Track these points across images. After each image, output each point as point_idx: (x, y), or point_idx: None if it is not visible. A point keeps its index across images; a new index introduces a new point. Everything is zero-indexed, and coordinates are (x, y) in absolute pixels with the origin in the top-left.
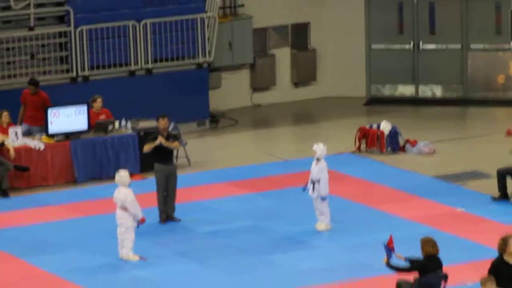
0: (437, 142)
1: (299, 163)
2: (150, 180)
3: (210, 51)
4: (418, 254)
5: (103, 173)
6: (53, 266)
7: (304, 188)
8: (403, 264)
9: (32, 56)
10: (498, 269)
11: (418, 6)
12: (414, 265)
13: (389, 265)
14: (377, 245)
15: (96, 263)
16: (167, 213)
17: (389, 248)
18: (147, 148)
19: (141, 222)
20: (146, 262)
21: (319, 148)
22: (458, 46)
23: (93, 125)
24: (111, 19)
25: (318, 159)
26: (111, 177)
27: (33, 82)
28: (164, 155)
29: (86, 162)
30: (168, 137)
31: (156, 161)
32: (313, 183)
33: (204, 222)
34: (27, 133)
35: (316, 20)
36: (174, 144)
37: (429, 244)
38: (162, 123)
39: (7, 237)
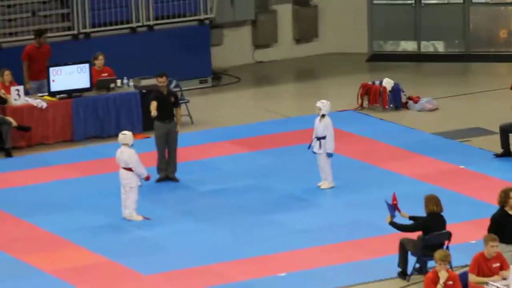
0: (440, 98)
1: (301, 120)
2: (153, 139)
3: (211, 8)
4: (421, 211)
5: (104, 131)
6: (55, 226)
7: (309, 146)
8: (407, 222)
9: (34, 13)
10: (500, 222)
11: None
12: (417, 223)
13: (392, 223)
14: (380, 203)
15: (99, 223)
16: (166, 173)
17: (393, 206)
18: (153, 111)
19: (146, 179)
20: (149, 222)
21: (324, 105)
22: (460, 0)
23: (95, 83)
24: None
25: (322, 116)
26: (113, 136)
27: (42, 32)
28: (164, 113)
29: (87, 120)
30: (168, 94)
31: (155, 118)
32: (319, 139)
33: (206, 181)
34: (37, 91)
35: None
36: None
37: (432, 202)
38: (161, 81)
39: (10, 197)
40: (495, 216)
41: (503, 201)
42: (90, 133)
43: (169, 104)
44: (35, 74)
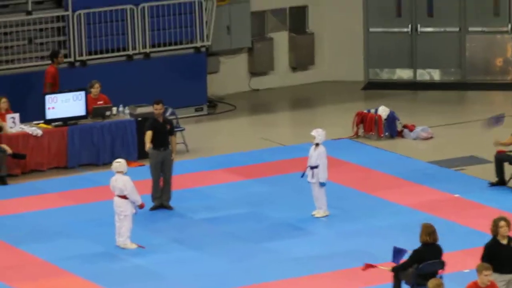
0: (435, 126)
1: (297, 148)
2: (148, 167)
3: (208, 35)
4: (416, 240)
5: (99, 159)
6: (49, 254)
7: (303, 174)
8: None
9: (30, 41)
10: (492, 251)
11: None
12: (411, 256)
13: (394, 269)
14: (375, 232)
15: (93, 252)
16: (161, 200)
17: (400, 252)
18: (147, 144)
19: (140, 207)
20: (143, 250)
21: (318, 133)
22: (456, 29)
23: (91, 110)
24: (109, 3)
25: (316, 144)
26: (108, 164)
27: (58, 53)
28: (159, 141)
29: (82, 148)
30: (164, 122)
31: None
32: (312, 168)
33: (201, 209)
34: None
35: (314, 3)
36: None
37: (425, 232)
38: (157, 108)
39: (4, 225)
40: (488, 245)
41: (494, 231)
42: (84, 160)
43: (165, 132)
44: None
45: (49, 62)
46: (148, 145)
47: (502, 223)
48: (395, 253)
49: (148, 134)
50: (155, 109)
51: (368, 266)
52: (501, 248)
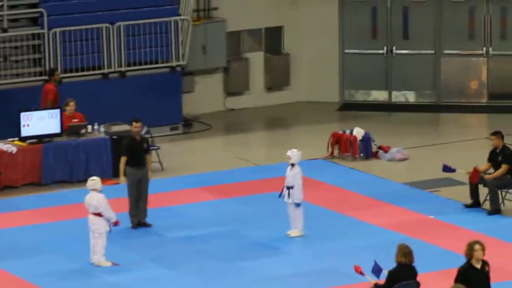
0: (410, 148)
1: (271, 168)
2: (122, 185)
3: (183, 55)
4: (390, 261)
5: (74, 177)
6: (24, 271)
7: (280, 194)
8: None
9: (5, 58)
10: (466, 274)
11: (392, 11)
12: (387, 277)
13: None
14: (350, 252)
15: (68, 269)
16: (138, 218)
17: (379, 268)
18: (121, 172)
19: (115, 224)
20: (117, 268)
21: (293, 154)
22: (432, 51)
23: (66, 128)
24: (84, 22)
25: (292, 165)
26: (83, 181)
27: (55, 70)
28: (136, 159)
29: (57, 165)
30: (141, 140)
31: (128, 165)
32: (288, 189)
33: (176, 227)
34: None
35: (289, 24)
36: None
37: (401, 253)
38: (136, 126)
39: None
40: (461, 268)
41: (468, 254)
42: (59, 178)
43: (143, 151)
44: None
45: (23, 79)
46: (122, 178)
47: (477, 246)
48: (374, 269)
49: (123, 161)
50: (134, 127)
51: (358, 270)
52: (474, 272)
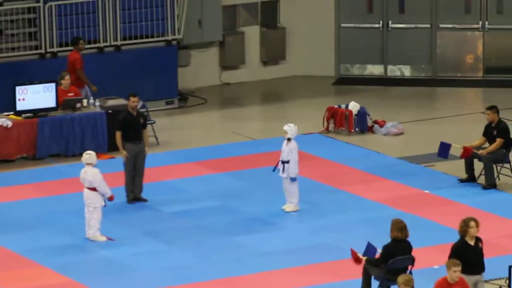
0: (406, 122)
1: (267, 142)
2: (118, 160)
3: (179, 28)
4: (385, 235)
5: (69, 151)
6: (19, 246)
7: (274, 168)
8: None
9: (1, 32)
10: (460, 251)
11: None
12: (382, 253)
13: (368, 261)
14: (345, 227)
15: (63, 243)
16: (134, 193)
17: (374, 248)
18: (120, 147)
19: (110, 199)
20: (112, 243)
21: (290, 128)
22: (427, 25)
23: (61, 102)
24: None
25: (288, 139)
26: (78, 156)
27: (79, 39)
28: (133, 134)
29: (52, 140)
30: (138, 115)
31: (124, 139)
32: (283, 163)
33: (171, 202)
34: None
35: None
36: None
37: (396, 228)
38: (134, 100)
39: None
40: (455, 245)
41: (463, 231)
42: (54, 152)
43: (139, 125)
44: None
45: (19, 52)
46: (123, 152)
47: (472, 223)
48: (367, 248)
49: (119, 135)
50: (132, 101)
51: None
52: (468, 249)
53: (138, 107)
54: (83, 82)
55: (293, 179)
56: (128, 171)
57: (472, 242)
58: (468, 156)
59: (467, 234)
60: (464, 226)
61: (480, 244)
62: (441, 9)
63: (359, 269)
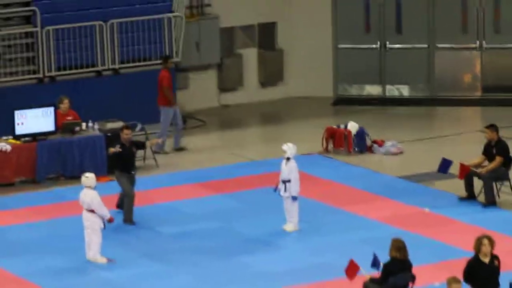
0: (404, 142)
1: (266, 163)
2: (117, 183)
3: (177, 51)
4: (385, 254)
5: (69, 174)
6: (20, 269)
7: (276, 189)
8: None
9: None
10: (473, 268)
11: (385, 5)
12: (382, 273)
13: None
14: (345, 246)
15: (63, 266)
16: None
17: (379, 262)
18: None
19: (109, 221)
20: (113, 265)
21: (289, 148)
22: (425, 45)
23: (60, 126)
24: (77, 19)
25: (288, 159)
26: (77, 178)
27: (169, 57)
28: (126, 165)
29: (51, 163)
30: (131, 145)
31: (119, 169)
32: (284, 183)
33: (171, 223)
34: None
35: (283, 19)
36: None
37: (395, 248)
38: (127, 133)
39: None
40: (469, 262)
41: (477, 248)
42: (53, 175)
43: (132, 156)
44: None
45: (17, 77)
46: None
47: (485, 241)
48: (375, 261)
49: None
50: (125, 133)
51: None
52: (481, 266)
53: (137, 130)
54: (169, 101)
55: (294, 198)
56: (128, 189)
57: (486, 260)
58: (466, 174)
59: (480, 252)
60: (477, 244)
61: (496, 262)
62: (439, 29)
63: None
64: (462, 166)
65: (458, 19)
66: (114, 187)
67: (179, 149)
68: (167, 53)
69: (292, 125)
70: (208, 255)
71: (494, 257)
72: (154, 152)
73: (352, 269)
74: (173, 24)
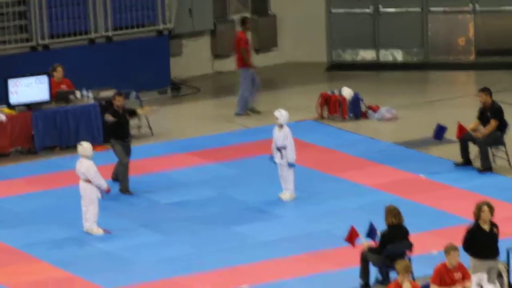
0: (399, 107)
1: (261, 130)
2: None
3: (170, 18)
4: (380, 221)
5: (64, 143)
6: (16, 240)
7: (271, 157)
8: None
9: None
10: (472, 236)
11: None
12: (380, 241)
13: (369, 250)
14: (341, 214)
15: (60, 237)
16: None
17: (375, 230)
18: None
19: (106, 192)
20: (110, 235)
21: (281, 114)
22: (418, 9)
23: (54, 94)
24: None
25: (280, 126)
26: (73, 148)
27: (247, 18)
28: (120, 132)
29: (47, 133)
30: (124, 112)
31: (113, 137)
32: (279, 150)
33: (167, 193)
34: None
35: None
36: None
37: (391, 214)
38: (120, 99)
39: None
40: (469, 229)
41: (476, 215)
42: (49, 145)
43: (127, 122)
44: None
45: (10, 45)
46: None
47: (485, 208)
48: (370, 230)
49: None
50: (117, 100)
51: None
52: (481, 233)
53: (131, 97)
54: (247, 62)
55: (291, 164)
56: (124, 159)
57: (486, 227)
58: (463, 134)
59: (480, 218)
60: (477, 210)
61: (495, 230)
62: None
63: (357, 256)
64: (461, 126)
65: None
66: (110, 157)
67: (252, 110)
68: (245, 17)
69: (287, 91)
70: (205, 225)
71: (493, 225)
72: (237, 115)
73: (352, 236)
74: None
